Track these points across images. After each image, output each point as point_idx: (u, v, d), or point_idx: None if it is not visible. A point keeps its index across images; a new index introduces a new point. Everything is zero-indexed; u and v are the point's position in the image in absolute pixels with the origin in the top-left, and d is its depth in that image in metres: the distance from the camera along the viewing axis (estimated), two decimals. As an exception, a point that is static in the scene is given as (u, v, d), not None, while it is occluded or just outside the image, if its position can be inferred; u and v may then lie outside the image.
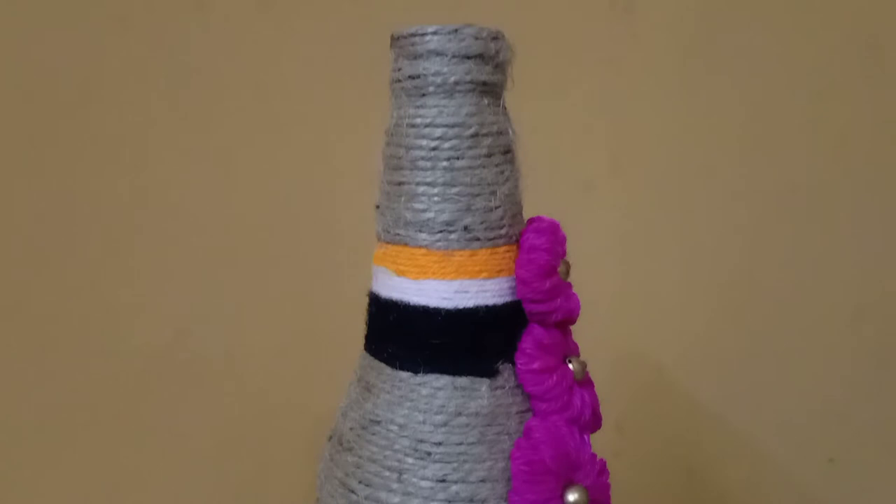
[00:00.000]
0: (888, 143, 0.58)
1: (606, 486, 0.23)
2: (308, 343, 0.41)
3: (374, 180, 0.25)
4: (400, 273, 0.23)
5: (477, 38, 0.22)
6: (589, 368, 0.26)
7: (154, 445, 0.41)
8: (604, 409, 0.56)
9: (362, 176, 0.27)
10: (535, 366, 0.23)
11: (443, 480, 0.22)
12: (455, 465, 0.22)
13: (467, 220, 0.23)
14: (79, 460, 0.41)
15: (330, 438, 0.25)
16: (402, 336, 0.23)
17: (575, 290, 0.28)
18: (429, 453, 0.22)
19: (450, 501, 0.22)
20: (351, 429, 0.24)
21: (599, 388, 0.43)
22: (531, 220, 0.24)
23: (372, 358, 0.24)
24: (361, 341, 0.25)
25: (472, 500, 0.22)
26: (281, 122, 0.42)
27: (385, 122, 0.24)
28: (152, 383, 0.41)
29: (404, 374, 0.23)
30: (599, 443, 0.53)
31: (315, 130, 0.42)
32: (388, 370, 0.23)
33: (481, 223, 0.23)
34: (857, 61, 0.55)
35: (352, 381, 0.25)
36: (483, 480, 0.22)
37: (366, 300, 0.25)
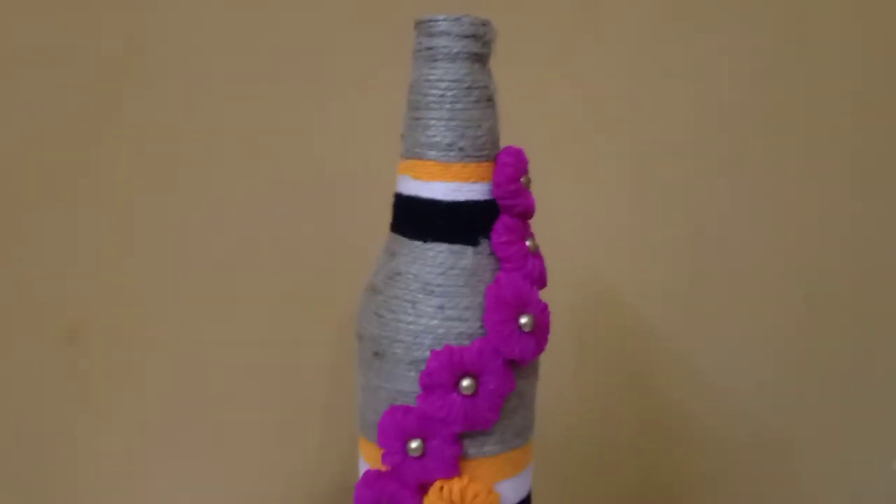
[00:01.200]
0: (824, 105, 0.70)
1: (547, 319, 0.36)
2: (338, 252, 0.53)
3: (395, 121, 0.37)
4: (416, 177, 0.35)
5: (472, 24, 0.34)
6: (550, 275, 0.38)
7: (211, 329, 0.53)
8: (567, 324, 0.68)
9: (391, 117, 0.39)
10: (503, 239, 0.35)
11: (441, 307, 0.34)
12: (449, 298, 0.34)
13: (462, 143, 0.35)
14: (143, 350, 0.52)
15: (366, 290, 0.37)
16: (416, 218, 0.35)
17: (546, 226, 0.40)
18: (432, 291, 0.35)
19: (445, 319, 0.34)
20: (381, 280, 0.36)
21: (565, 307, 0.55)
22: (505, 148, 0.36)
23: (395, 234, 0.36)
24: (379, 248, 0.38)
25: (459, 319, 0.34)
26: (320, 81, 0.53)
27: (408, 79, 0.36)
28: (213, 282, 0.52)
29: (417, 243, 0.35)
30: (562, 348, 0.67)
31: (350, 86, 0.53)
32: (406, 241, 0.36)
33: (471, 146, 0.35)
34: (795, 41, 0.66)
35: (381, 253, 0.37)
36: (467, 308, 0.34)
37: (380, 212, 0.38)
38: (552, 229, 0.45)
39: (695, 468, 0.76)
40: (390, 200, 0.37)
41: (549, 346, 0.41)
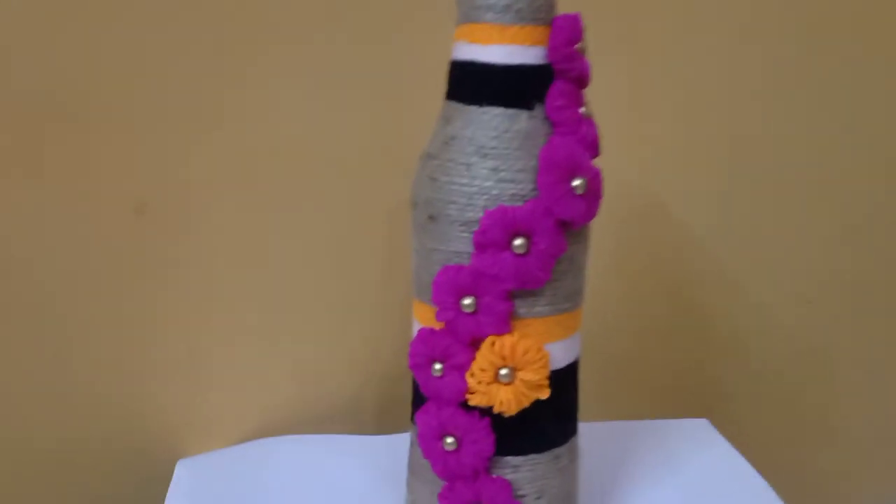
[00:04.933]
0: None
1: (599, 185, 0.36)
2: (387, 137, 0.53)
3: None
4: (472, 41, 0.35)
5: None
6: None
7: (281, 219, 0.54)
8: (612, 230, 0.68)
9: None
10: (558, 103, 0.35)
11: (495, 169, 0.35)
12: (503, 160, 0.35)
13: (519, 6, 0.34)
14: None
15: (421, 157, 0.38)
16: (471, 83, 0.36)
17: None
18: (487, 154, 0.35)
19: (499, 181, 0.35)
20: (436, 146, 0.37)
21: (612, 214, 0.55)
22: (561, 13, 0.36)
23: (451, 101, 0.37)
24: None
25: (512, 181, 0.35)
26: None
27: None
28: (273, 165, 0.52)
29: (472, 107, 0.36)
30: (606, 254, 0.67)
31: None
32: (461, 106, 0.36)
33: (528, 7, 0.35)
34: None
35: (436, 121, 0.38)
36: (520, 170, 0.35)
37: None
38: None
39: (733, 382, 0.77)
40: (438, 95, 0.38)
41: (591, 257, 0.42)
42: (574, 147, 0.35)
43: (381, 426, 0.56)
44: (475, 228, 0.35)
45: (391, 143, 0.51)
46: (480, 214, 0.35)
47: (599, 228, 0.67)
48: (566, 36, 0.35)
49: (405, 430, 0.45)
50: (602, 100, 0.60)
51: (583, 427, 0.43)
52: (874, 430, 0.90)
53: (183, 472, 0.48)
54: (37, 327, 0.51)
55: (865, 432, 0.90)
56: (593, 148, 0.37)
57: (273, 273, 0.53)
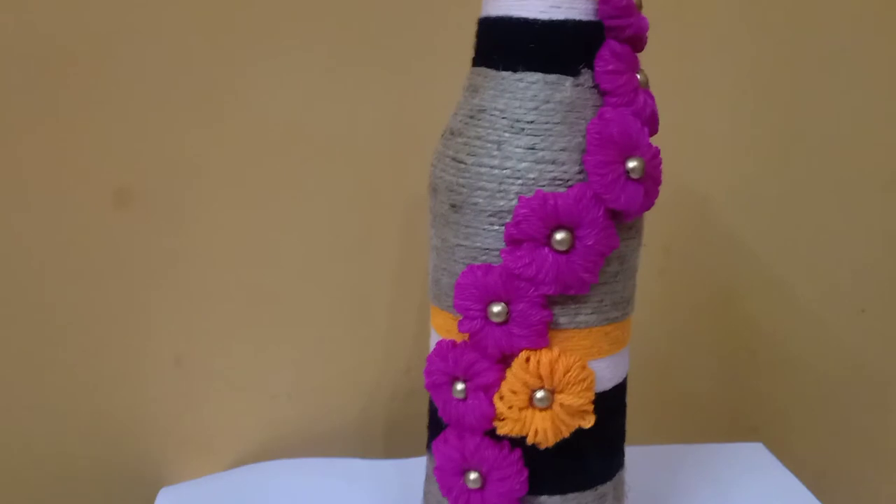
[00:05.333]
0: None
1: (658, 167, 0.30)
2: (406, 125, 0.48)
3: None
4: (507, -7, 0.29)
5: None
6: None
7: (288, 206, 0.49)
8: (653, 233, 0.62)
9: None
10: (610, 67, 0.29)
11: (532, 148, 0.29)
12: (542, 137, 0.29)
13: (562, -53, 0.28)
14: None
15: (443, 135, 0.32)
16: (504, 44, 0.30)
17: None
18: (522, 129, 0.29)
19: (536, 162, 0.29)
20: (460, 120, 0.31)
21: (653, 214, 0.50)
22: (613, -38, 0.30)
23: (479, 67, 0.31)
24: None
25: (553, 162, 0.29)
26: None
27: None
28: (274, 149, 0.48)
29: (506, 73, 0.30)
30: (647, 259, 0.60)
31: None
32: (492, 72, 0.30)
33: (573, -49, 0.29)
34: None
35: (462, 93, 0.32)
36: (563, 149, 0.29)
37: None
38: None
39: (782, 399, 0.71)
40: (462, 65, 0.32)
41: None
42: (630, 121, 0.29)
43: (391, 449, 0.51)
44: (507, 220, 0.29)
45: (405, 122, 0.46)
46: (514, 203, 0.29)
47: (646, 223, 0.61)
48: (621, -15, 0.29)
49: (417, 455, 0.39)
50: (659, 91, 0.54)
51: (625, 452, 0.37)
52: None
53: (166, 502, 0.42)
54: (12, 330, 0.46)
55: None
56: (652, 123, 0.30)
57: (271, 276, 0.48)
